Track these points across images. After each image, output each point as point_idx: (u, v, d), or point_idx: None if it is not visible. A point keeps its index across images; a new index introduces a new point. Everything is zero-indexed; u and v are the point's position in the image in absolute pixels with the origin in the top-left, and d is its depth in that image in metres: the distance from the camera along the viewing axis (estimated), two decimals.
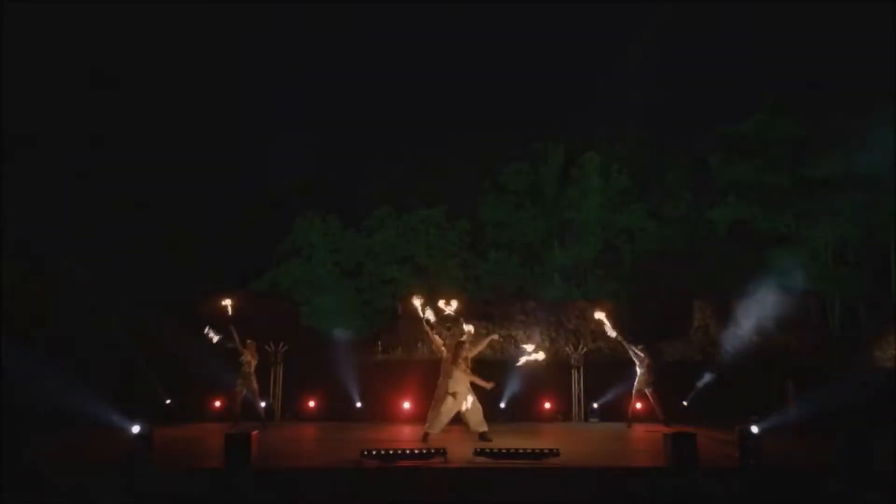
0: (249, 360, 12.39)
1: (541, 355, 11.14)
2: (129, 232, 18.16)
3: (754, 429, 7.83)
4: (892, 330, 16.30)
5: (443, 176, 21.24)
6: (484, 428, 10.26)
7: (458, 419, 10.52)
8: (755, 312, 16.59)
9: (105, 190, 18.30)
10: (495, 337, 12.40)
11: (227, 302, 12.42)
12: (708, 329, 17.31)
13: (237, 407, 12.30)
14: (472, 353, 10.60)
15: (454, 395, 10.22)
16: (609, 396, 13.77)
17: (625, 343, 12.70)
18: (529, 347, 11.25)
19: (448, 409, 10.24)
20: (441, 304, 11.34)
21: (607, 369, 13.91)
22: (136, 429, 7.79)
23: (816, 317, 17.68)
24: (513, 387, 13.60)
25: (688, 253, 19.09)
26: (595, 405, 13.98)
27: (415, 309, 11.33)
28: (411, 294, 11.88)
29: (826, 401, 12.48)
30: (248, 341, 12.45)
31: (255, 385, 12.42)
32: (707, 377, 13.72)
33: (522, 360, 11.14)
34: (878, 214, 16.98)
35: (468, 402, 10.30)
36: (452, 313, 11.42)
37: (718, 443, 9.60)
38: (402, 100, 25.21)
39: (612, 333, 12.66)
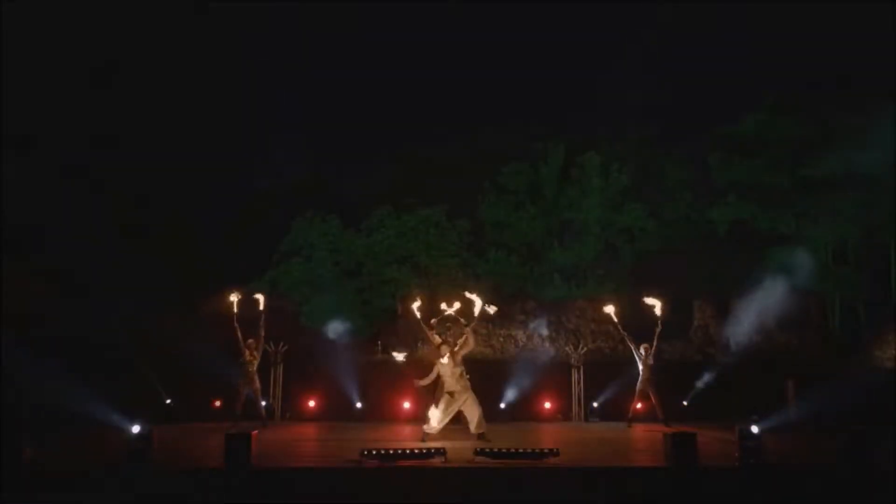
0: (251, 359, 12.39)
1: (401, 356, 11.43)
2: (129, 231, 18.15)
3: (754, 428, 7.83)
4: (892, 330, 16.31)
5: (443, 176, 21.24)
6: (483, 429, 10.25)
7: (458, 419, 10.52)
8: (755, 312, 16.59)
9: (104, 189, 18.29)
10: (468, 328, 11.05)
11: (234, 298, 12.35)
12: (708, 329, 17.33)
13: (238, 407, 12.28)
14: (463, 350, 10.53)
15: (451, 393, 10.21)
16: (609, 396, 13.75)
17: (629, 341, 12.72)
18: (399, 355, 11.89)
19: (447, 408, 10.23)
20: (446, 305, 11.26)
21: (607, 369, 13.91)
22: (136, 428, 7.80)
23: (816, 317, 17.69)
24: (513, 386, 13.60)
25: (688, 253, 19.09)
26: (595, 405, 13.98)
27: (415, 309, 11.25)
28: (412, 297, 11.70)
29: (826, 401, 12.49)
30: (249, 340, 12.46)
31: (257, 384, 12.42)
32: (707, 377, 13.70)
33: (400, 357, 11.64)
34: (878, 214, 16.99)
35: (468, 401, 10.28)
36: (454, 313, 11.34)
37: (718, 443, 9.60)
38: (402, 99, 25.24)
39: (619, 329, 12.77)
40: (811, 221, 17.82)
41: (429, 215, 19.53)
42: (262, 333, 12.33)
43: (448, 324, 13.66)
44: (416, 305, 11.10)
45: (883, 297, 17.49)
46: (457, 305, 11.20)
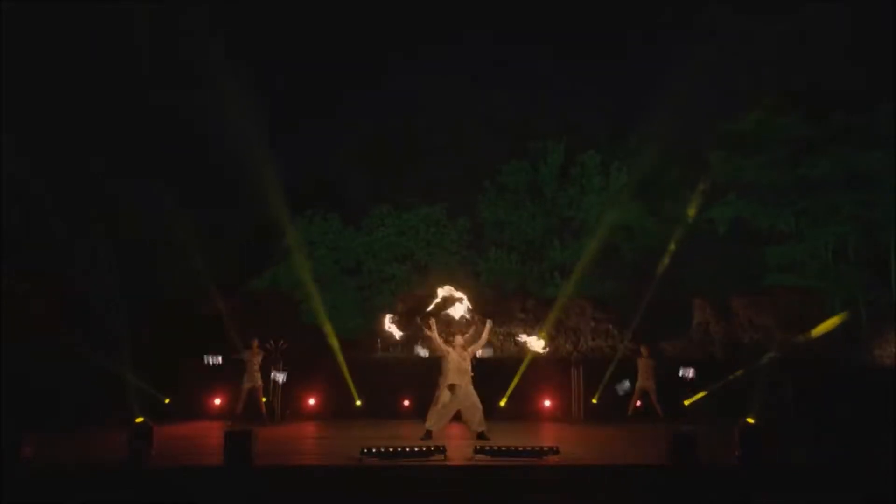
0: (252, 358, 12.50)
1: (541, 343, 10.95)
2: (128, 230, 18.14)
3: (753, 426, 7.84)
4: (892, 328, 16.31)
5: (443, 174, 21.27)
6: (483, 427, 10.23)
7: (459, 416, 10.51)
8: (754, 310, 16.59)
9: (102, 188, 18.27)
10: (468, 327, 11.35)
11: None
12: (708, 327, 17.32)
13: (240, 405, 12.35)
14: (470, 345, 10.50)
15: (451, 388, 10.20)
16: (608, 394, 13.74)
17: (623, 345, 12.79)
18: (534, 342, 10.84)
19: (447, 404, 10.22)
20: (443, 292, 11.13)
21: (607, 367, 13.91)
22: (136, 426, 7.80)
23: (816, 315, 17.67)
24: (512, 384, 13.59)
25: (687, 251, 19.09)
26: (594, 402, 13.97)
27: (414, 307, 11.21)
28: (382, 317, 11.35)
29: (826, 399, 12.51)
30: (254, 340, 12.62)
31: (259, 383, 12.54)
32: (706, 376, 13.65)
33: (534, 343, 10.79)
34: (878, 212, 17.00)
35: (469, 400, 10.26)
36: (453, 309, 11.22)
37: (718, 440, 9.60)
38: (402, 94, 25.18)
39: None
40: (811, 220, 17.83)
41: (429, 213, 19.58)
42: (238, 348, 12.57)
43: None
44: (388, 318, 10.87)
45: (883, 295, 17.50)
46: (445, 291, 10.94)
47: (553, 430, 12.15)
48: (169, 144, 20.09)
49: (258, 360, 12.69)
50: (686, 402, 13.32)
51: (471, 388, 10.30)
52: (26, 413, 11.11)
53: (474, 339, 10.62)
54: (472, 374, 10.38)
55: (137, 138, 19.63)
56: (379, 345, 16.60)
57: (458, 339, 10.41)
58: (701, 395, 12.98)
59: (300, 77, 25.14)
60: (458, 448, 8.71)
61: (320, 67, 26.08)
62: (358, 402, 13.82)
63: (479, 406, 10.32)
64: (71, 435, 10.66)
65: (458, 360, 10.25)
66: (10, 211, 16.20)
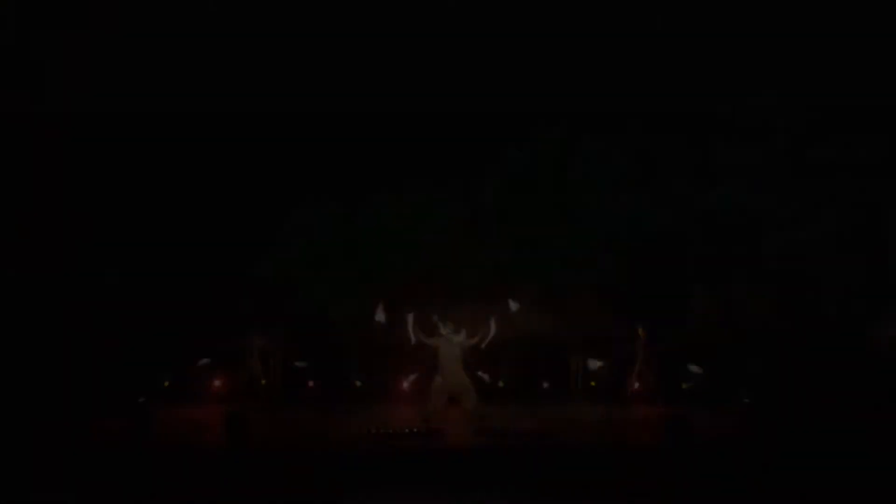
0: (253, 343, 12.61)
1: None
2: (127, 218, 18.09)
3: (749, 410, 7.90)
4: (893, 316, 16.32)
5: (442, 160, 21.17)
6: (478, 409, 10.33)
7: (457, 400, 10.60)
8: (754, 297, 16.59)
9: (101, 177, 18.20)
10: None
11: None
12: (707, 314, 17.33)
13: (241, 387, 12.47)
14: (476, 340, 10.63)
15: (445, 374, 10.32)
16: (606, 377, 13.82)
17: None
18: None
19: (439, 389, 10.35)
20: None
21: (605, 350, 13.97)
22: (136, 409, 7.86)
23: (816, 302, 17.67)
24: (511, 367, 13.66)
25: (688, 237, 19.05)
26: (592, 384, 14.04)
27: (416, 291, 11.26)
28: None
29: (825, 387, 12.56)
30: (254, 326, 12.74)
31: (259, 366, 12.66)
32: (704, 361, 13.72)
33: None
34: (880, 198, 16.95)
35: (460, 385, 10.36)
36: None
37: (714, 423, 9.68)
38: (400, 87, 25.00)
39: None
40: (812, 206, 17.78)
41: (428, 199, 19.54)
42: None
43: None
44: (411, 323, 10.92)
45: (883, 283, 17.47)
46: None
47: (552, 412, 12.22)
48: (168, 138, 19.97)
49: (259, 345, 12.79)
50: (684, 386, 13.40)
51: (462, 373, 10.44)
52: (27, 401, 11.20)
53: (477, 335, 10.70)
54: (463, 360, 10.51)
55: (136, 134, 19.53)
56: (378, 329, 16.63)
57: (450, 328, 10.51)
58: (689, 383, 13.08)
59: (299, 67, 24.91)
60: (458, 430, 8.77)
61: (317, 54, 25.84)
62: (358, 384, 13.89)
63: (471, 388, 10.46)
64: (72, 420, 10.72)
65: (447, 348, 10.39)
66: (12, 206, 16.21)
